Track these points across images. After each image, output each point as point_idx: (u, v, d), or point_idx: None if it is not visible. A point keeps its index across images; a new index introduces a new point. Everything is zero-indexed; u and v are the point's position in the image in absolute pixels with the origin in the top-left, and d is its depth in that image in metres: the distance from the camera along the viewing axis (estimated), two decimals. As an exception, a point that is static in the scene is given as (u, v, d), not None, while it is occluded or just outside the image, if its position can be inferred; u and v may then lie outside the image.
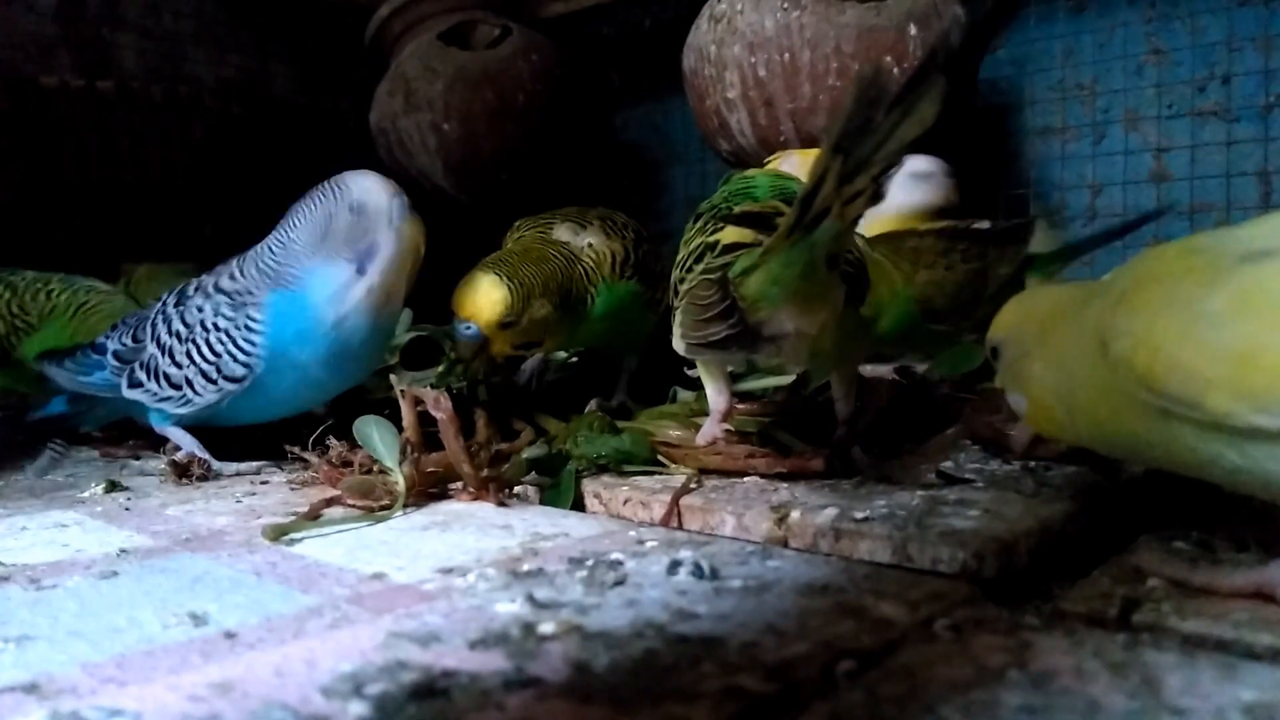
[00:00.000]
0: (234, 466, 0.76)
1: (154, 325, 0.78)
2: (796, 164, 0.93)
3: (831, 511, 0.51)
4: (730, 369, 0.68)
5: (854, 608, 0.39)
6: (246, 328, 0.73)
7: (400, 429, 0.65)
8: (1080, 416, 0.45)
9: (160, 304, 0.80)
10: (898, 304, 1.00)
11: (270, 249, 0.76)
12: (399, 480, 0.61)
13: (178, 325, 0.76)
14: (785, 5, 1.24)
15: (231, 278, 0.77)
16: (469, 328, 0.81)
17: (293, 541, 0.53)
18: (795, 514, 0.51)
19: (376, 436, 0.64)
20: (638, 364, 0.97)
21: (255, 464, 0.76)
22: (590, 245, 0.89)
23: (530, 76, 1.64)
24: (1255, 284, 0.38)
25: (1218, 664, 0.33)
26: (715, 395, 0.67)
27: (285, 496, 0.67)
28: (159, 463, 0.77)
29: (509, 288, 0.80)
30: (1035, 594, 0.42)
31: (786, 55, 1.24)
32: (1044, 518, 0.49)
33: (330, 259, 0.72)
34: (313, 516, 0.57)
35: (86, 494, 0.69)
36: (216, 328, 0.74)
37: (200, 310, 0.76)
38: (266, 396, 0.75)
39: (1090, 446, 0.48)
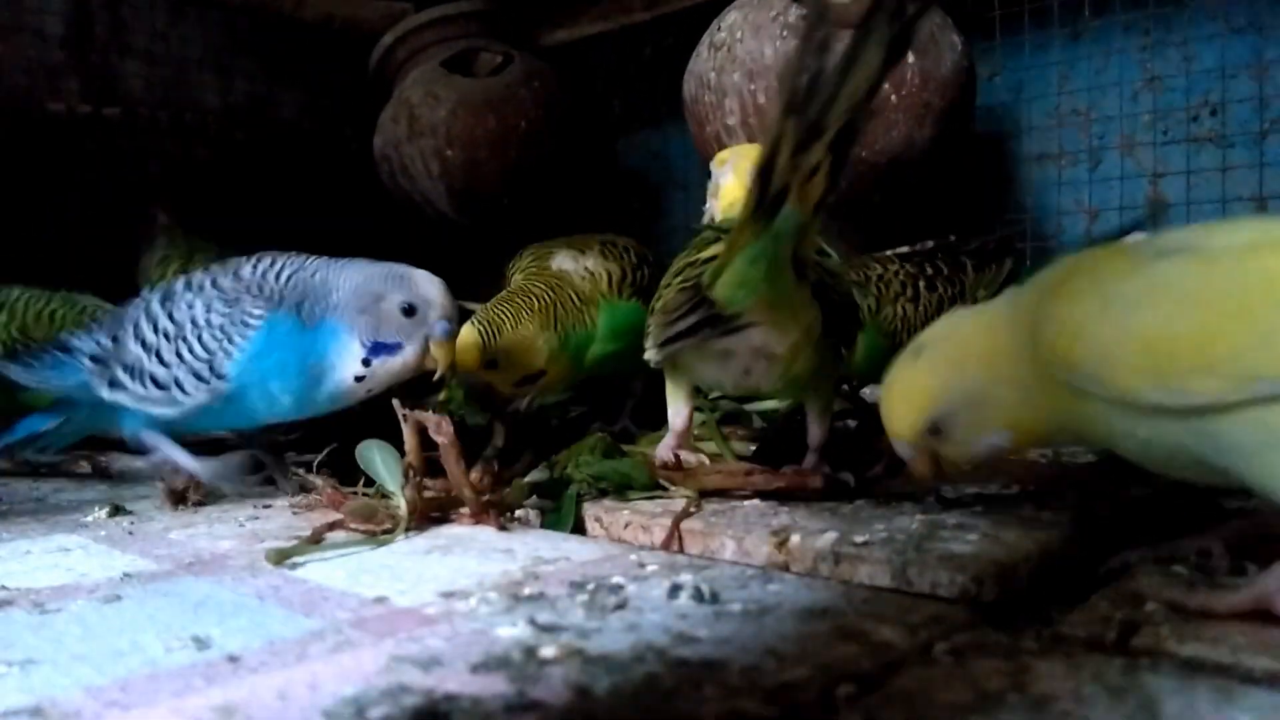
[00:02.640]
0: (231, 486, 0.74)
1: (136, 324, 0.74)
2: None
3: (831, 535, 0.51)
4: (704, 390, 0.68)
5: (854, 631, 0.39)
6: (243, 323, 0.70)
7: (402, 453, 0.65)
8: (1038, 414, 0.48)
9: (144, 302, 0.76)
10: (867, 336, 1.01)
11: (299, 273, 0.72)
12: (401, 504, 0.61)
13: (165, 324, 0.72)
14: (784, 33, 1.26)
15: (237, 277, 0.73)
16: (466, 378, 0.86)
17: (295, 565, 0.53)
18: (795, 538, 0.51)
19: (379, 460, 0.64)
20: (642, 390, 0.97)
21: (254, 478, 0.75)
22: (587, 269, 0.90)
23: (532, 103, 1.65)
24: (1164, 276, 0.42)
25: (1216, 688, 0.33)
26: (673, 415, 0.68)
27: (288, 520, 0.67)
28: (162, 486, 0.77)
29: (478, 330, 0.84)
30: (1034, 618, 0.42)
31: (785, 82, 1.25)
32: (1043, 542, 0.49)
33: (352, 330, 0.70)
34: (315, 540, 0.57)
35: (90, 518, 0.69)
36: (210, 324, 0.70)
37: (190, 307, 0.72)
38: (233, 407, 0.72)
39: (1057, 442, 0.51)
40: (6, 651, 0.39)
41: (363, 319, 0.69)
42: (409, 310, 0.69)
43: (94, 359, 0.74)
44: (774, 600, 0.43)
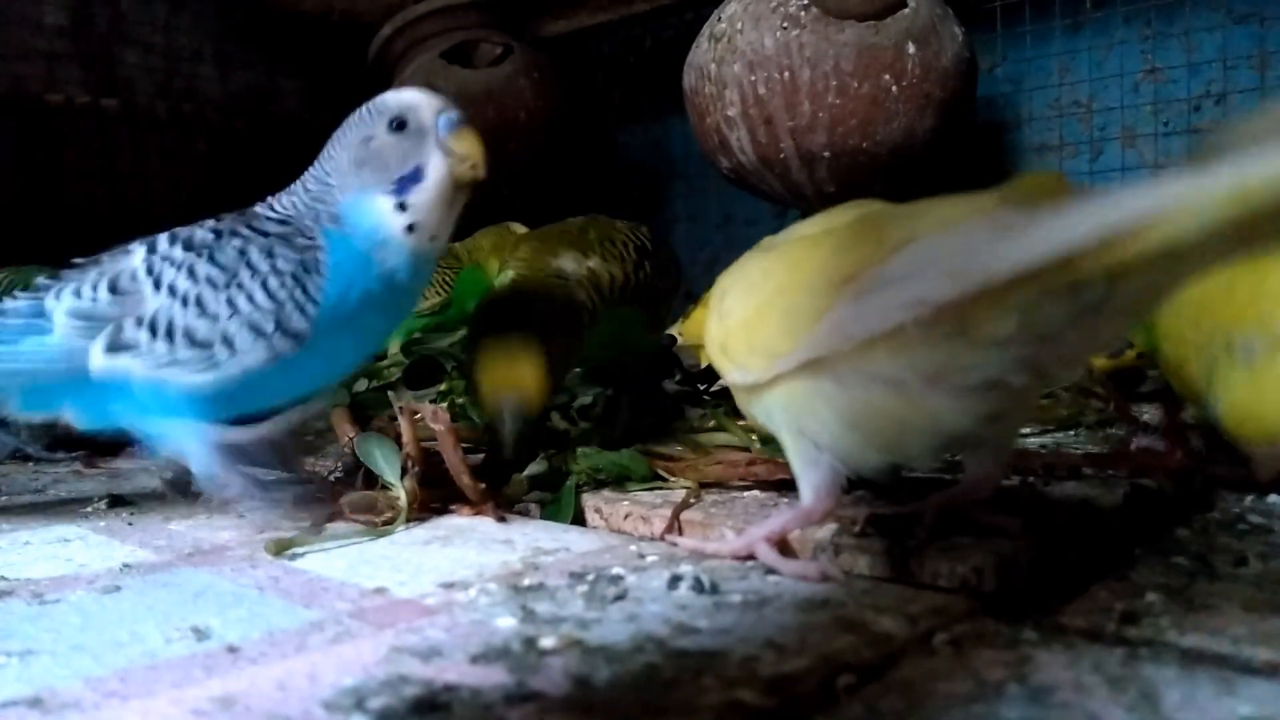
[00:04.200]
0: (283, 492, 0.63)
1: (153, 272, 0.59)
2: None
3: (831, 526, 0.51)
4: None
5: (853, 622, 0.39)
6: (315, 269, 0.58)
7: (400, 445, 0.65)
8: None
9: (146, 253, 0.61)
10: None
11: (306, 184, 0.62)
12: (401, 495, 0.61)
13: (207, 269, 0.58)
14: (785, 24, 1.25)
15: (271, 218, 0.61)
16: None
17: (295, 556, 0.53)
18: (795, 529, 0.51)
19: (378, 452, 0.64)
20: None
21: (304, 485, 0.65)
22: (590, 270, 0.88)
23: (532, 94, 1.65)
24: (748, 270, 0.50)
25: (1216, 678, 0.33)
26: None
27: (287, 511, 0.67)
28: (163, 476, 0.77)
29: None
30: (1034, 608, 0.42)
31: (786, 73, 1.25)
32: (1043, 533, 0.49)
33: (366, 190, 0.59)
34: (315, 531, 0.57)
35: (89, 509, 0.69)
36: (275, 270, 0.58)
37: (242, 252, 0.59)
38: (298, 368, 0.60)
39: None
40: (6, 642, 0.39)
41: (366, 171, 0.59)
42: (399, 125, 0.59)
43: (78, 315, 0.59)
44: (773, 591, 0.43)
